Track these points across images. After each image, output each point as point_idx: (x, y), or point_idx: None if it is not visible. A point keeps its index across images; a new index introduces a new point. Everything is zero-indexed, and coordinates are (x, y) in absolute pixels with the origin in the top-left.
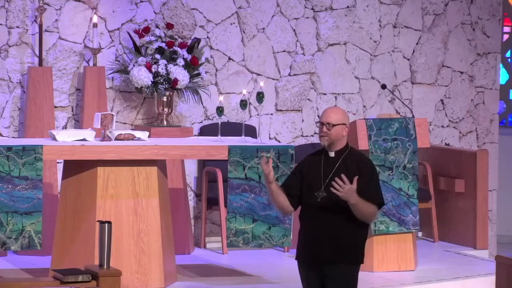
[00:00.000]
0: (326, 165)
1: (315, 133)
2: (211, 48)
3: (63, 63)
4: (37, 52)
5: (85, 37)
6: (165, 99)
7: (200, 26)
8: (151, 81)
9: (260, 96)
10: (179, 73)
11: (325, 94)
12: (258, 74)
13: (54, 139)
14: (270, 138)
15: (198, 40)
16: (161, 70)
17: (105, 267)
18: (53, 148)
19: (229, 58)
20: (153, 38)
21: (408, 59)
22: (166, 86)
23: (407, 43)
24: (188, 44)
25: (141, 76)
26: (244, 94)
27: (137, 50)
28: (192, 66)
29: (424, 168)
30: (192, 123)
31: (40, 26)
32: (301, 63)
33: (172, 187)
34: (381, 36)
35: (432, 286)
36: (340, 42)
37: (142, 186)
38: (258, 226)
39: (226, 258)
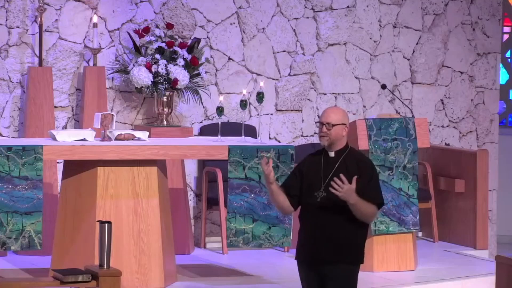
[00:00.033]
0: (326, 165)
1: (315, 133)
2: (211, 48)
3: (63, 63)
4: (37, 52)
5: (85, 37)
6: (165, 99)
7: (200, 26)
8: (151, 81)
9: (260, 96)
10: (179, 73)
11: (325, 94)
12: (258, 74)
13: (54, 139)
14: (270, 138)
15: (198, 40)
16: (161, 70)
17: (105, 267)
18: (53, 148)
19: (229, 58)
20: (153, 38)
21: (408, 59)
22: (166, 86)
23: (407, 43)
24: (188, 44)
25: (141, 76)
26: (244, 94)
27: (137, 50)
28: (192, 66)
29: (424, 168)
30: (192, 123)
31: (40, 26)
32: (301, 63)
33: (172, 187)
34: (381, 36)
35: (432, 286)
36: (340, 42)
37: (142, 186)
38: (258, 226)
39: (226, 258)
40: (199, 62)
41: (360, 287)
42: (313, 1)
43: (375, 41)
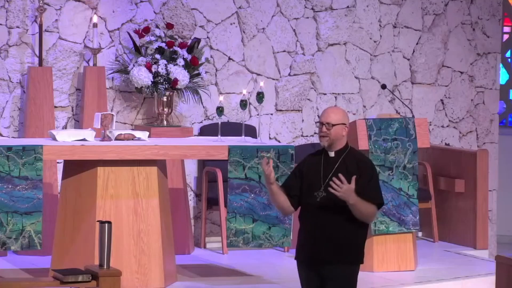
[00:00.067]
0: (326, 165)
1: (315, 133)
2: (211, 48)
3: (63, 63)
4: (37, 52)
5: (85, 37)
6: (165, 99)
7: (200, 26)
8: (151, 81)
9: (260, 96)
10: (179, 73)
11: (325, 94)
12: (258, 74)
13: (54, 139)
14: (270, 138)
15: (198, 40)
16: (161, 70)
17: (105, 267)
18: (53, 148)
19: (229, 58)
20: (153, 38)
21: (408, 59)
22: (166, 86)
23: (407, 43)
24: (188, 44)
25: (141, 76)
26: (244, 94)
27: (137, 50)
28: (192, 66)
29: (424, 168)
30: (192, 123)
31: (40, 26)
32: (301, 63)
33: (172, 187)
34: (381, 36)
35: (432, 286)
36: (340, 42)
37: (142, 186)
38: (258, 226)
39: (226, 258)
40: (199, 62)
41: (360, 287)
42: (313, 1)
43: (375, 41)
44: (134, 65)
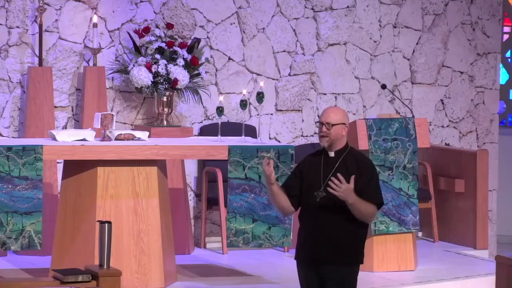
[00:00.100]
0: (326, 165)
1: (315, 133)
2: (211, 48)
3: (63, 63)
4: (37, 52)
5: (85, 37)
6: (165, 99)
7: (200, 26)
8: (151, 81)
9: (260, 96)
10: (179, 73)
11: (325, 94)
12: (258, 74)
13: (54, 139)
14: (270, 138)
15: (198, 40)
16: (161, 70)
17: (105, 267)
18: (53, 148)
19: (229, 58)
20: (153, 38)
21: (408, 59)
22: (166, 86)
23: (407, 43)
24: (188, 44)
25: (141, 76)
26: (244, 94)
27: (137, 50)
28: (192, 66)
29: (424, 168)
30: (192, 123)
31: (40, 26)
32: (301, 63)
33: (172, 187)
34: (381, 36)
35: (432, 286)
36: (340, 42)
37: (142, 186)
38: (258, 226)
39: (226, 258)
40: (199, 62)
41: (360, 287)
42: (313, 1)
43: (375, 41)
44: (134, 65)
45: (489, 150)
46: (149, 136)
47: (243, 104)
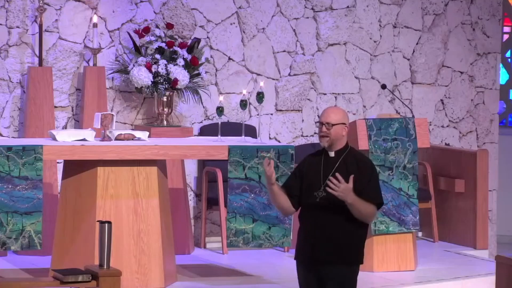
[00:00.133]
0: (326, 165)
1: (315, 133)
2: (211, 48)
3: (63, 63)
4: (37, 52)
5: (85, 37)
6: (165, 99)
7: (200, 26)
8: (151, 81)
9: (260, 96)
10: (179, 73)
11: (325, 94)
12: (258, 74)
13: (54, 139)
14: (270, 138)
15: (198, 40)
16: (161, 70)
17: (105, 267)
18: (53, 148)
19: (229, 58)
20: (153, 38)
21: (408, 59)
22: (166, 86)
23: (407, 43)
24: (188, 44)
25: (141, 76)
26: (244, 94)
27: (137, 50)
28: (192, 66)
29: (424, 168)
30: (192, 123)
31: (40, 26)
32: (301, 63)
33: (172, 187)
34: (381, 36)
35: (432, 286)
36: (340, 42)
37: (142, 186)
38: (258, 226)
39: (226, 258)
40: (199, 62)
41: (360, 287)
42: (313, 1)
43: (375, 41)
44: (134, 65)
45: (489, 150)
46: (149, 136)
47: (243, 104)
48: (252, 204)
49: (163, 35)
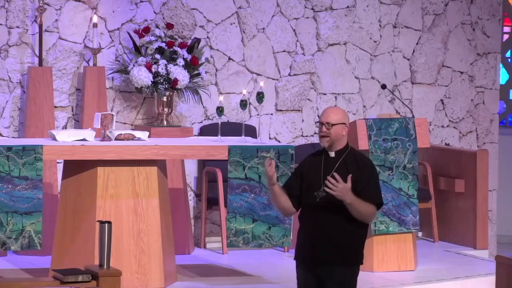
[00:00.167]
0: (326, 165)
1: (315, 133)
2: (211, 48)
3: (63, 63)
4: (37, 52)
5: (85, 37)
6: (165, 99)
7: (200, 26)
8: (151, 81)
9: (260, 96)
10: (179, 73)
11: (325, 94)
12: (258, 74)
13: (54, 139)
14: (270, 138)
15: (198, 40)
16: (161, 70)
17: (105, 267)
18: (53, 148)
19: (229, 58)
20: (153, 38)
21: (408, 59)
22: (166, 86)
23: (407, 43)
24: (188, 44)
25: (141, 76)
26: (244, 94)
27: (137, 50)
28: (192, 66)
29: (424, 168)
30: (192, 123)
31: (40, 26)
32: (301, 63)
33: (172, 187)
34: (381, 36)
35: (432, 286)
36: (340, 42)
37: (142, 186)
38: (258, 226)
39: (226, 258)
40: (199, 62)
41: (360, 287)
42: (313, 1)
43: (375, 41)
44: (134, 65)
45: (489, 150)
46: (149, 136)
47: (243, 104)
48: (252, 204)
49: (163, 35)
